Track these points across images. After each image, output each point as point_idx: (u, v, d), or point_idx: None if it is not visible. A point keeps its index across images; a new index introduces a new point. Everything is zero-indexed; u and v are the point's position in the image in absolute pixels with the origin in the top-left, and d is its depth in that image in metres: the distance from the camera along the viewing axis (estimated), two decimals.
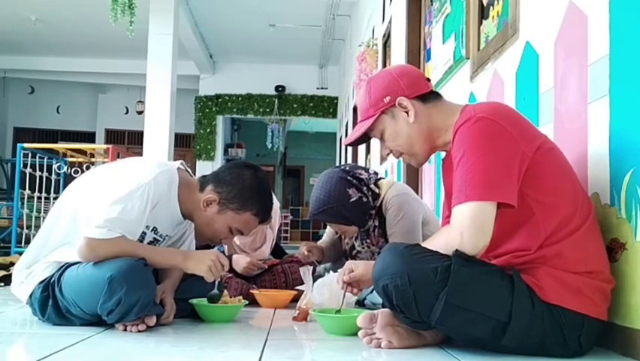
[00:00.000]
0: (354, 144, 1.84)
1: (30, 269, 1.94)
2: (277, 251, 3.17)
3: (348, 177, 2.40)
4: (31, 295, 1.92)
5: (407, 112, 1.69)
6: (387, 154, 1.79)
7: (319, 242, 2.84)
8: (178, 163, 2.06)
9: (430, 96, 1.72)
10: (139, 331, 1.79)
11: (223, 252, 2.91)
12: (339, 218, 2.38)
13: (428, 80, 1.76)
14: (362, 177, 2.43)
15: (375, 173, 2.52)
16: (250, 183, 2.00)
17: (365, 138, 1.80)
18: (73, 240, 1.88)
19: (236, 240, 2.89)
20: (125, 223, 1.82)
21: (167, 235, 2.05)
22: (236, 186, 1.99)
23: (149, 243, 2.00)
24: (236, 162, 2.28)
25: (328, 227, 2.82)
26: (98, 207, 1.83)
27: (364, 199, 2.39)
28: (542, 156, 1.53)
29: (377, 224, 2.47)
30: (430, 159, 1.82)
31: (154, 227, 1.97)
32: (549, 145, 1.58)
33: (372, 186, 2.43)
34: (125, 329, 1.80)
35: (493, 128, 1.50)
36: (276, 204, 3.11)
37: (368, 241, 2.50)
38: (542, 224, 1.50)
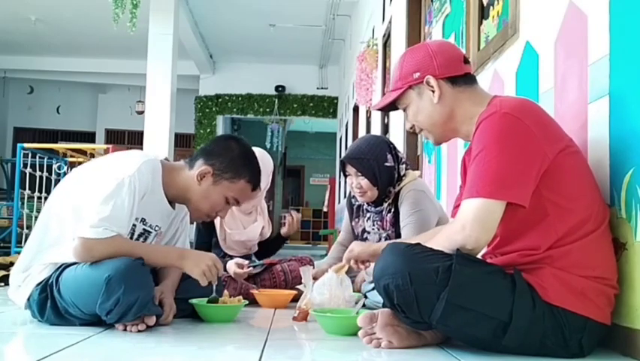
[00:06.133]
0: (383, 110, 1.86)
1: (27, 272, 1.94)
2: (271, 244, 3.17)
3: (391, 146, 2.57)
4: (29, 298, 1.91)
5: (433, 92, 1.67)
6: (410, 128, 1.79)
7: (324, 260, 2.85)
8: (161, 157, 2.10)
9: (461, 80, 1.68)
10: (139, 331, 1.79)
11: (222, 256, 2.91)
12: (369, 172, 2.48)
13: (466, 61, 1.72)
14: (399, 155, 2.59)
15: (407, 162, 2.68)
16: (239, 153, 2.06)
17: (392, 107, 1.80)
18: (66, 239, 1.88)
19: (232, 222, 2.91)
20: (119, 220, 1.84)
21: (157, 226, 2.06)
22: (227, 156, 2.03)
23: (140, 235, 2.01)
24: (221, 135, 2.32)
25: (343, 230, 2.83)
26: (89, 205, 1.84)
27: (395, 171, 2.52)
28: (564, 158, 1.51)
29: (392, 209, 2.52)
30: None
31: (142, 218, 1.98)
32: (573, 148, 1.56)
33: (402, 167, 2.57)
34: (125, 329, 1.80)
35: (516, 125, 1.49)
36: (264, 203, 3.14)
37: (380, 223, 2.54)
38: (555, 226, 1.49)
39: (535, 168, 1.48)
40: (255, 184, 2.09)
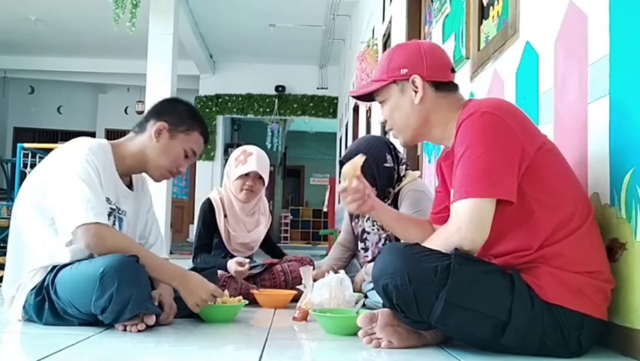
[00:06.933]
0: (359, 99, 1.86)
1: (18, 282, 1.93)
2: (272, 249, 3.18)
3: (391, 147, 2.57)
4: (24, 305, 1.90)
5: (416, 92, 1.67)
6: (384, 121, 1.79)
7: (324, 261, 2.88)
8: None
9: (445, 86, 1.69)
10: (139, 331, 1.78)
11: (223, 257, 2.91)
12: (368, 173, 2.46)
13: (453, 70, 1.73)
14: (399, 155, 2.60)
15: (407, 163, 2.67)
16: (186, 108, 2.16)
17: (370, 97, 1.80)
18: (41, 240, 1.90)
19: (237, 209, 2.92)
20: (101, 198, 1.89)
21: (117, 207, 2.04)
22: (176, 112, 2.12)
23: (108, 214, 1.98)
24: (164, 98, 2.36)
25: (343, 231, 2.84)
26: (68, 193, 1.85)
27: (394, 172, 2.53)
28: (543, 155, 1.53)
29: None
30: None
31: (107, 198, 1.99)
32: (550, 145, 1.59)
33: (402, 167, 2.57)
34: (125, 329, 1.80)
35: (496, 123, 1.51)
36: (265, 201, 3.15)
37: (379, 223, 2.55)
38: (542, 223, 1.50)
39: (517, 164, 1.49)
40: (207, 137, 2.18)
